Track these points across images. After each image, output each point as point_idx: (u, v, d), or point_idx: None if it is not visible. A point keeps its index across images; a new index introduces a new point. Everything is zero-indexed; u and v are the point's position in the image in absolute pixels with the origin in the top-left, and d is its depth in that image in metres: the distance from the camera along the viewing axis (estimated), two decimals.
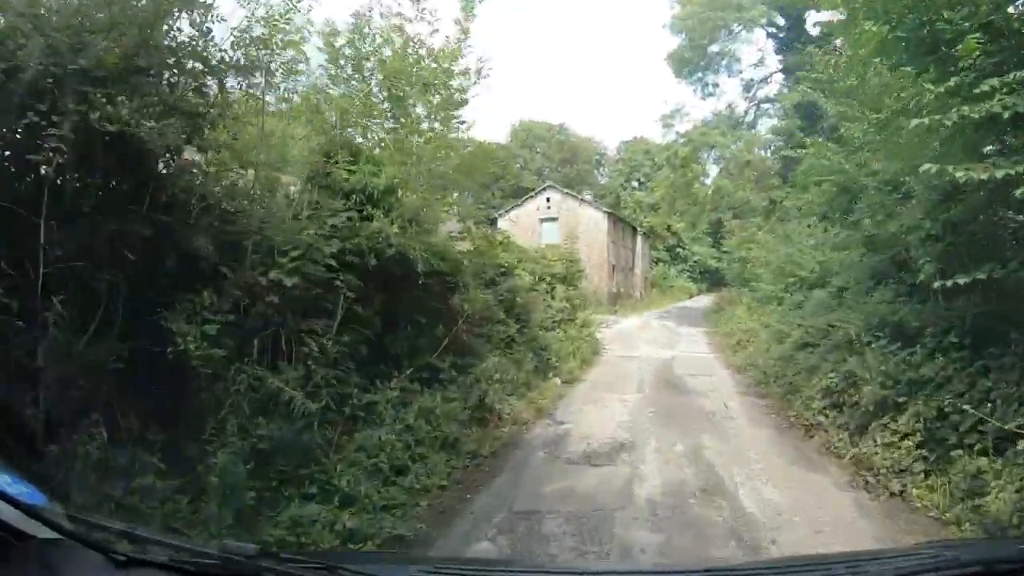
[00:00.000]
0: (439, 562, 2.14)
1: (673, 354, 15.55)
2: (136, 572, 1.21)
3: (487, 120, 43.86)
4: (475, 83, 8.54)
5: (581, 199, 34.76)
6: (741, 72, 24.54)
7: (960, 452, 5.44)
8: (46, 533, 1.21)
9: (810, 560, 2.15)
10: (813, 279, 16.48)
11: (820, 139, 23.38)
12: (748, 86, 25.11)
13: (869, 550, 3.86)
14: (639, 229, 42.80)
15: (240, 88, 5.86)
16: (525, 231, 35.79)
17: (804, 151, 22.33)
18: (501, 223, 36.89)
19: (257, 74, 5.86)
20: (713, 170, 33.77)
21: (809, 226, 18.57)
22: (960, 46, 5.09)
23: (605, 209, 34.21)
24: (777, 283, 18.61)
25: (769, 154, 26.54)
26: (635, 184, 67.24)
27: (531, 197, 36.01)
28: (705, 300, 51.89)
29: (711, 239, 71.47)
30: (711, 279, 70.36)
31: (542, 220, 35.42)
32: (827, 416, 7.89)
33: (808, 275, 16.61)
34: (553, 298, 13.72)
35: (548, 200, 35.36)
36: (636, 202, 61.80)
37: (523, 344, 10.99)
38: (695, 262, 66.29)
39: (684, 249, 65.13)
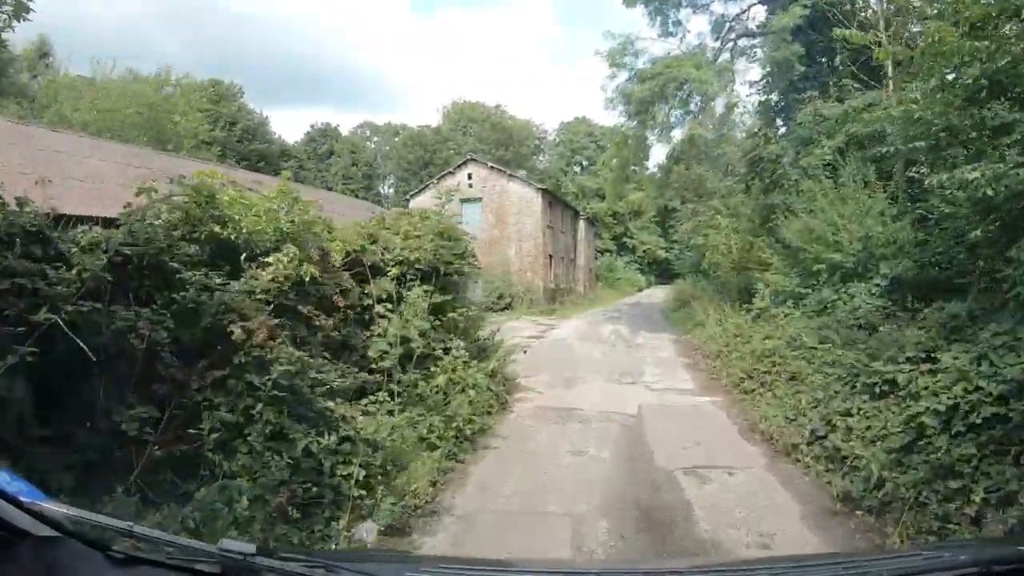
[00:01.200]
0: (438, 562, 1.96)
1: (641, 402, 8.59)
2: (135, 570, 1.21)
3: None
4: None
5: (510, 174, 27.77)
6: (710, 3, 17.81)
7: None
8: (45, 531, 1.19)
9: (807, 560, 1.99)
10: (850, 266, 10.52)
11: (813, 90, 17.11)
12: (718, 24, 18.42)
13: (866, 550, 3.57)
14: (581, 213, 36.22)
15: None
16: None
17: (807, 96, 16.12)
18: (413, 206, 29.63)
19: None
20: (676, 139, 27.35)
21: (838, 186, 12.32)
22: None
23: (539, 186, 27.37)
24: (790, 273, 12.24)
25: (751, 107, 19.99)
26: (577, 169, 60.96)
27: (449, 173, 28.81)
28: (658, 294, 45.92)
29: (659, 228, 66.14)
30: (659, 270, 64.89)
31: (463, 201, 28.25)
32: None
33: (843, 259, 10.46)
34: (400, 315, 6.41)
35: (470, 176, 28.27)
36: (579, 187, 55.46)
37: (248, 459, 3.87)
38: (644, 252, 60.61)
39: (632, 238, 59.23)
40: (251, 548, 1.21)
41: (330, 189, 54.98)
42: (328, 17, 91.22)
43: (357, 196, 53.01)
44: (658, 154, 31.41)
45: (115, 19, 65.72)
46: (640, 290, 51.58)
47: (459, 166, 28.59)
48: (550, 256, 28.26)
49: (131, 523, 1.26)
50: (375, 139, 71.99)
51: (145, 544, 1.25)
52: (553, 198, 29.40)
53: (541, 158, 67.09)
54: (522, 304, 26.08)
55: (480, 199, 27.81)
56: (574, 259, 34.03)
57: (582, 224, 35.40)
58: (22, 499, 1.19)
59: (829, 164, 13.64)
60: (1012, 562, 1.27)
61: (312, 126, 70.68)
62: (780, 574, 1.52)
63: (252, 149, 55.23)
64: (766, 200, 15.66)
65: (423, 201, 28.93)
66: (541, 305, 26.06)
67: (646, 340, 16.16)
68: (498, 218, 27.29)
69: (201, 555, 1.23)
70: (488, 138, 60.13)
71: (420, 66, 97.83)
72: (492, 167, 27.96)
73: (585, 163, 60.22)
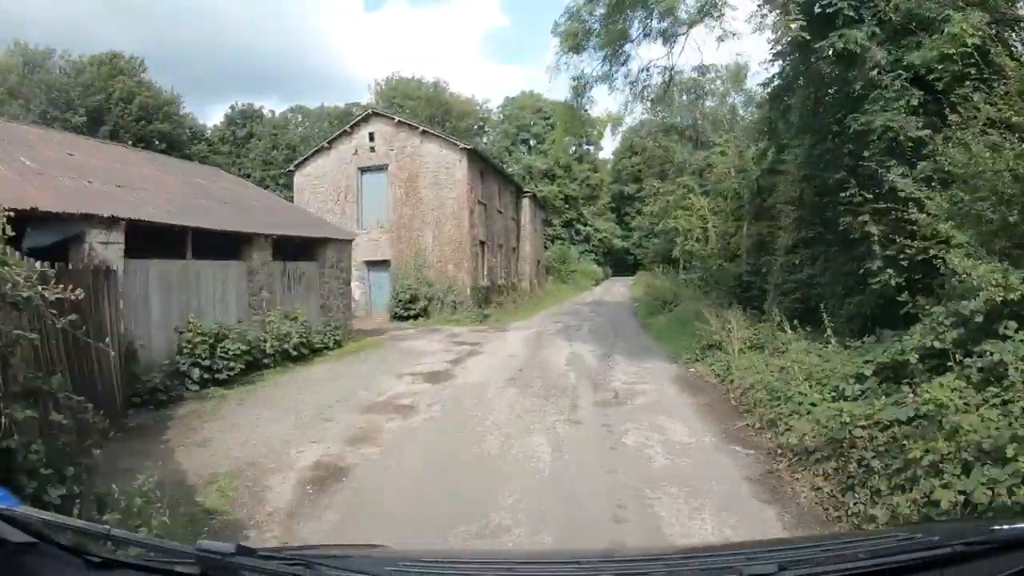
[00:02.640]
0: (419, 556, 1.65)
1: None
2: (113, 574, 1.18)
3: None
4: None
5: (424, 130, 19.99)
6: None
7: None
8: (20, 537, 1.14)
9: (786, 543, 2.01)
10: None
11: None
12: None
13: (840, 532, 3.49)
14: (526, 189, 28.75)
15: None
16: (336, 191, 20.74)
17: None
18: (299, 180, 21.62)
19: None
20: None
21: None
22: None
23: (464, 145, 19.71)
24: (984, 255, 4.93)
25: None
26: (524, 149, 53.38)
27: (345, 134, 20.87)
28: (619, 289, 38.85)
29: (613, 215, 59.31)
30: (614, 261, 58.15)
31: (363, 170, 20.45)
32: None
33: None
34: None
35: (372, 137, 20.42)
36: (525, 168, 48.00)
37: None
38: (600, 240, 53.63)
39: (586, 225, 52.14)
40: (230, 548, 1.17)
41: (248, 176, 47.21)
42: (278, 12, 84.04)
43: (277, 181, 44.81)
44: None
45: (57, 17, 57.00)
46: (597, 283, 44.64)
47: (357, 123, 20.64)
48: (482, 243, 20.68)
49: (108, 527, 1.22)
50: (306, 123, 63.40)
51: (122, 547, 1.23)
52: (485, 164, 21.71)
53: (484, 140, 59.47)
54: (442, 309, 18.48)
55: (385, 166, 19.98)
56: (516, 248, 26.54)
57: (527, 204, 27.90)
58: None
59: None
60: (985, 543, 1.24)
61: (232, 107, 61.33)
62: (758, 556, 1.38)
63: (153, 129, 45.82)
64: (843, 125, 8.49)
65: (315, 170, 20.97)
66: (469, 309, 18.51)
67: (632, 381, 8.80)
68: (410, 192, 19.55)
69: (179, 556, 1.19)
70: (423, 114, 52.07)
71: (371, 59, 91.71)
72: (400, 121, 20.11)
73: (533, 142, 52.81)
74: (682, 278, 28.15)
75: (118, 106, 43.96)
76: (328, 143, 20.91)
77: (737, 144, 30.92)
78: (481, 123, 61.86)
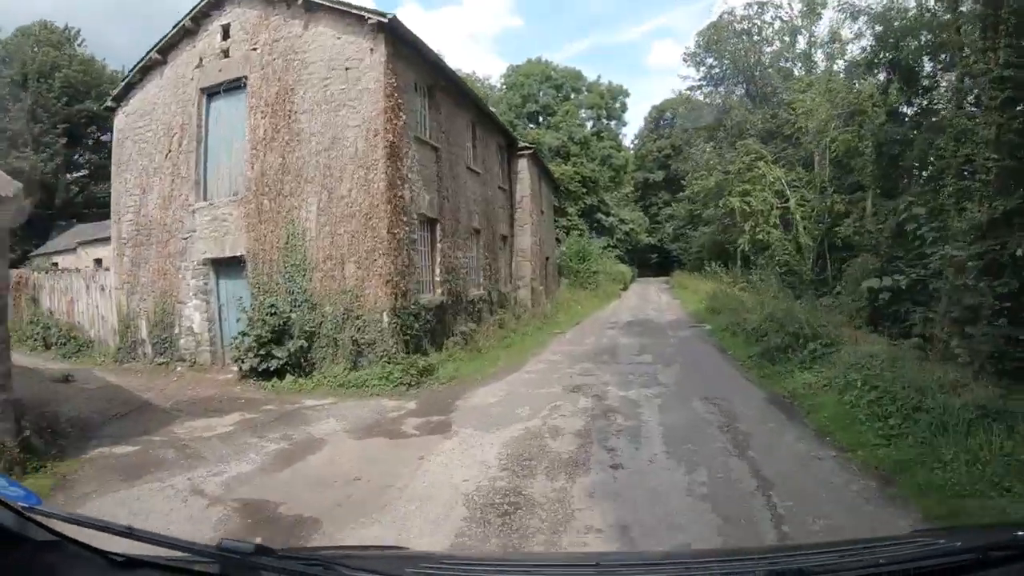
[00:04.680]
0: (439, 558, 1.68)
1: None
2: (134, 572, 1.17)
3: None
4: None
5: (307, 2, 10.53)
6: None
7: None
8: (43, 535, 1.15)
9: (806, 548, 1.89)
10: None
11: None
12: None
13: (862, 538, 3.20)
14: (523, 145, 19.04)
15: None
16: (168, 134, 11.26)
17: None
18: (121, 121, 12.12)
19: None
20: None
21: None
22: None
23: (378, 17, 10.10)
24: None
25: None
26: (531, 125, 43.57)
27: (187, 33, 11.45)
28: (656, 295, 28.58)
29: (636, 206, 49.29)
30: (637, 259, 48.07)
31: (209, 93, 10.94)
32: None
33: None
34: None
35: (227, 34, 11.03)
36: (533, 143, 38.46)
37: None
38: (626, 234, 43.63)
39: (608, 215, 42.18)
40: (250, 547, 1.16)
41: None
42: None
43: None
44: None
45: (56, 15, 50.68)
46: (624, 288, 34.45)
47: (205, 10, 11.30)
48: (431, 220, 11.06)
49: (130, 525, 1.20)
50: None
51: (144, 545, 1.20)
52: (436, 74, 11.77)
53: None
54: (336, 354, 8.98)
55: (243, 80, 10.54)
56: (509, 237, 16.87)
57: (526, 169, 18.08)
58: (20, 505, 1.14)
59: None
60: (1008, 548, 1.21)
61: None
62: (779, 561, 1.38)
63: (80, 109, 36.92)
64: None
65: (143, 103, 11.57)
66: (389, 354, 8.91)
67: None
68: (280, 122, 10.09)
69: (200, 555, 1.18)
70: None
71: None
72: None
73: (541, 116, 43.09)
74: (769, 277, 18.28)
75: (37, 81, 35.20)
76: (160, 52, 11.45)
77: (835, 83, 20.92)
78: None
